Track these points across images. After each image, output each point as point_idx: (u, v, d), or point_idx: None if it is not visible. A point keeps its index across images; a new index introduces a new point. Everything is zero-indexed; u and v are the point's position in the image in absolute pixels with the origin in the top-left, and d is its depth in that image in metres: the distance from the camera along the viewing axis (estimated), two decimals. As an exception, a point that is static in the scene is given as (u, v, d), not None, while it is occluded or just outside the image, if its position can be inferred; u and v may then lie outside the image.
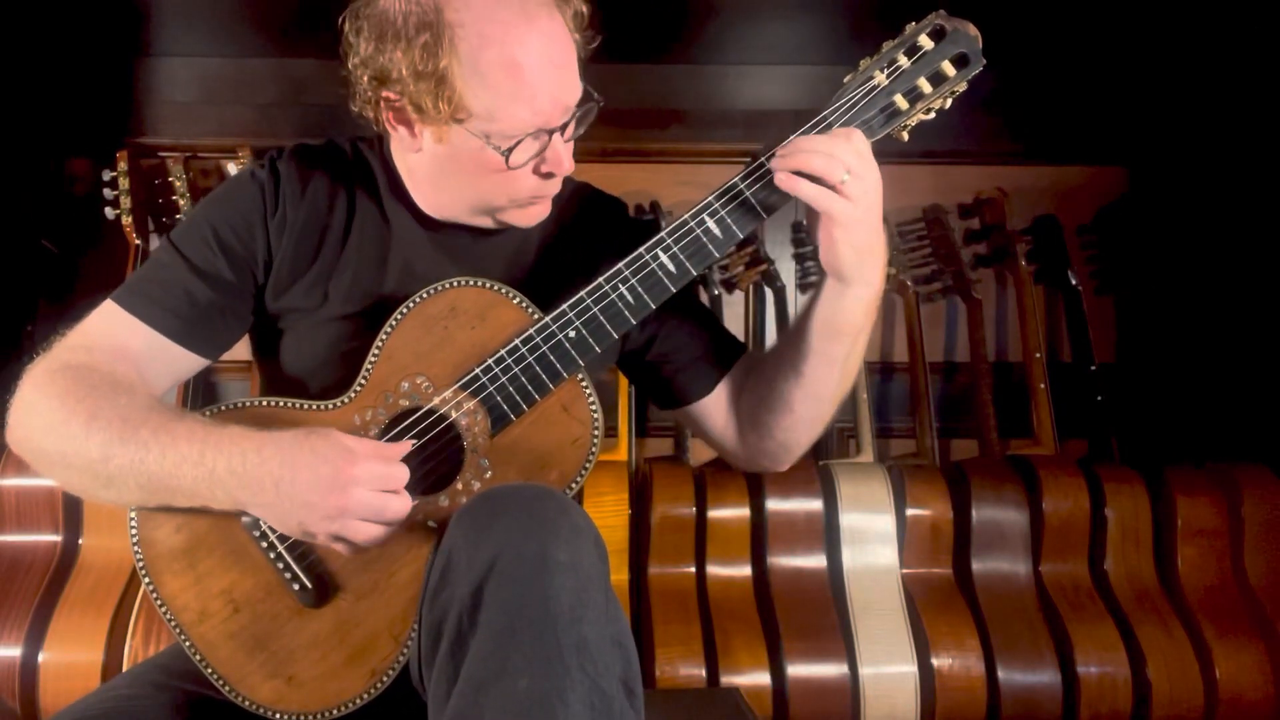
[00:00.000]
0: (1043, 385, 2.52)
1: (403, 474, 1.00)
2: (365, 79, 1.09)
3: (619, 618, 0.92)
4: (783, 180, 1.03)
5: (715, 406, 1.24)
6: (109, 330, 1.11)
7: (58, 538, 2.14)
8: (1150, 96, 2.72)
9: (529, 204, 1.14)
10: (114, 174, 2.47)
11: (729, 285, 2.64)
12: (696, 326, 1.24)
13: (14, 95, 2.53)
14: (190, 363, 1.15)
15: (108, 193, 2.48)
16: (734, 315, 2.67)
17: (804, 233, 2.68)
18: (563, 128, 1.08)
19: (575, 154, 1.15)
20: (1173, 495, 2.26)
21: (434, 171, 1.15)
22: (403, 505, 1.00)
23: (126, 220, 2.45)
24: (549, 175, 1.11)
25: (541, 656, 0.83)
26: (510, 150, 1.06)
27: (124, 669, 1.99)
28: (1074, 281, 2.61)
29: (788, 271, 2.70)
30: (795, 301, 2.71)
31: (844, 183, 1.01)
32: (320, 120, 2.65)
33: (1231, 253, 2.62)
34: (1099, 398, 2.53)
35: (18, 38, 2.48)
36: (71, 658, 2.00)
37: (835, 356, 1.12)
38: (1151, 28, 2.49)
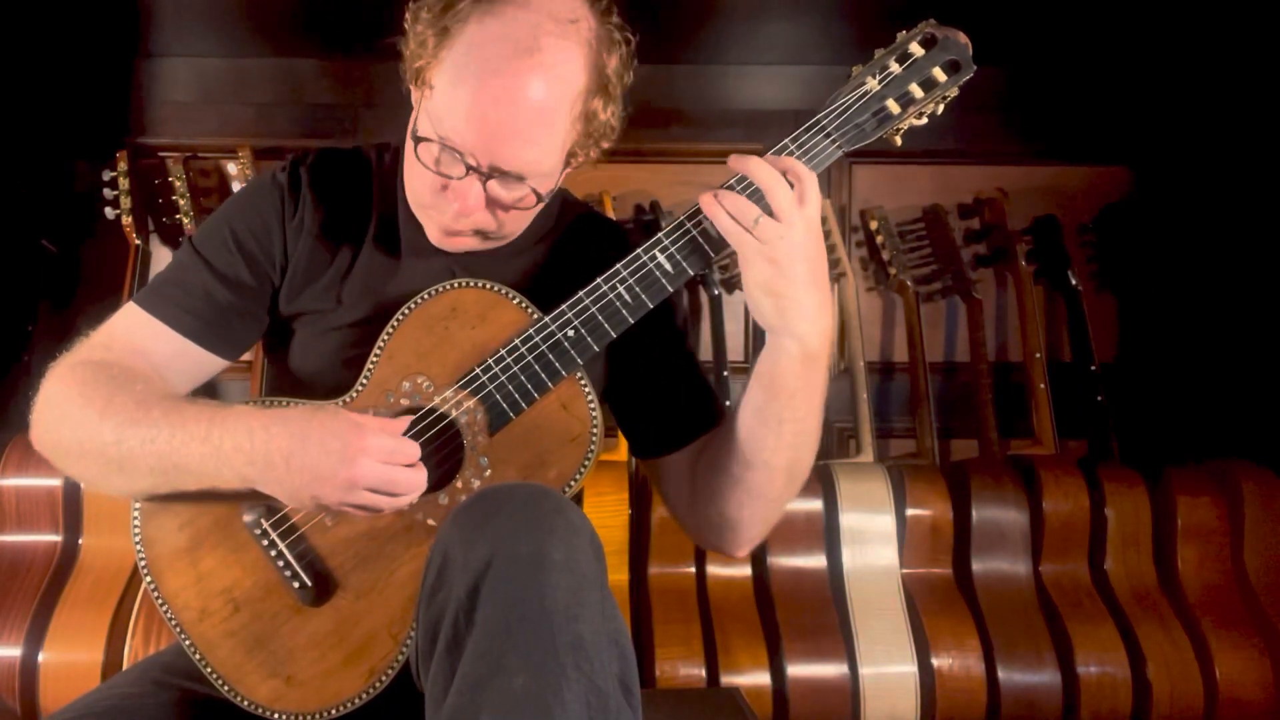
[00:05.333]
0: (1043, 385, 2.52)
1: (413, 448, 1.01)
2: (411, 16, 1.11)
3: (615, 616, 0.92)
4: (706, 206, 1.04)
5: (677, 467, 1.21)
6: (130, 330, 1.14)
7: (58, 538, 2.14)
8: (1150, 96, 2.72)
9: (435, 221, 1.11)
10: (114, 174, 2.47)
11: (729, 285, 2.64)
12: (685, 381, 1.21)
13: (14, 95, 2.53)
14: (210, 363, 1.16)
15: (108, 193, 2.48)
16: (734, 315, 2.67)
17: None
18: (482, 177, 1.05)
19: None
20: (1173, 495, 2.26)
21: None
22: (416, 478, 1.01)
23: (126, 220, 2.46)
24: (445, 190, 1.07)
25: (537, 655, 0.83)
26: (420, 138, 1.05)
27: (124, 668, 1.99)
28: (1074, 281, 2.61)
29: (788, 271, 2.70)
30: (795, 301, 2.71)
31: (757, 223, 1.01)
32: (320, 120, 2.66)
33: (1232, 252, 2.63)
34: (1099, 398, 2.53)
35: (18, 38, 2.48)
36: (71, 658, 2.00)
37: (771, 417, 1.09)
38: (1152, 27, 2.49)
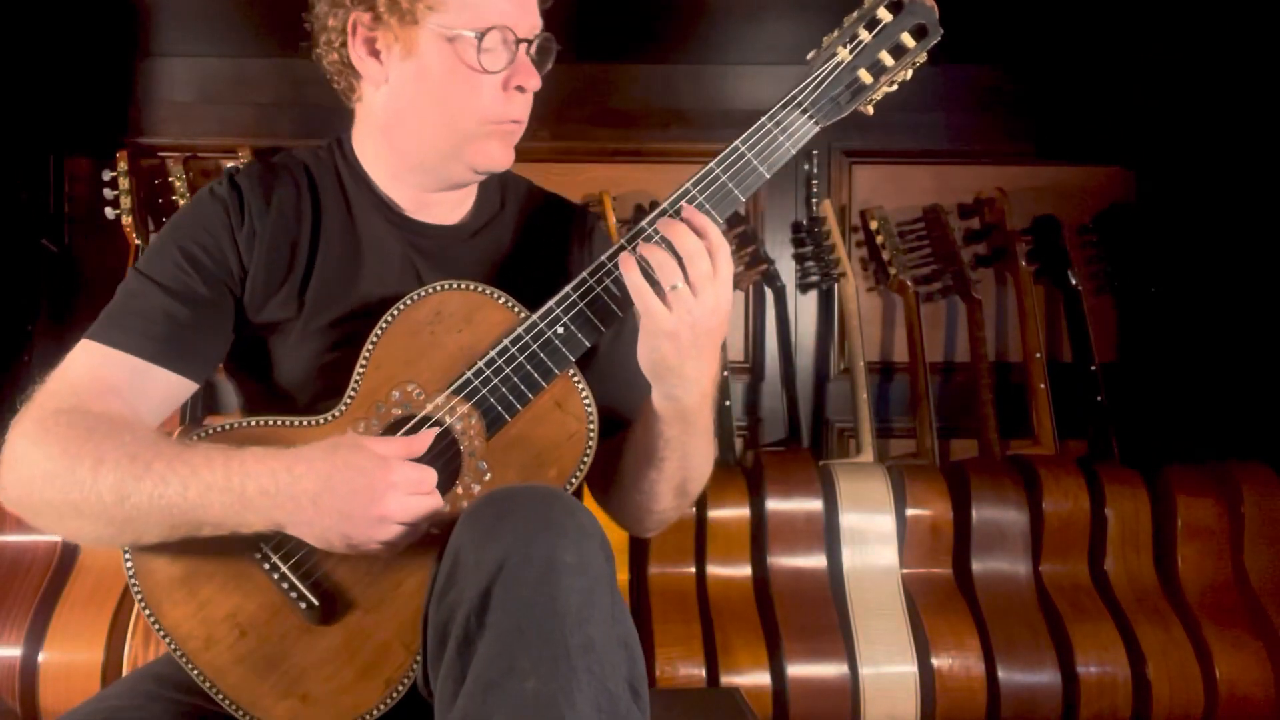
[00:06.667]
0: (1043, 385, 2.52)
1: (433, 476, 1.00)
2: (336, 9, 1.12)
3: (625, 619, 0.93)
4: (622, 260, 1.03)
5: (605, 453, 1.20)
6: (90, 367, 1.07)
7: (58, 538, 2.14)
8: (1151, 96, 2.72)
9: (494, 134, 1.13)
10: (114, 174, 2.47)
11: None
12: (633, 372, 1.19)
13: (14, 95, 2.53)
14: (178, 387, 1.11)
15: (108, 193, 2.48)
16: (734, 315, 2.67)
17: (804, 233, 2.68)
18: (530, 43, 1.10)
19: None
20: (1173, 495, 2.26)
21: (400, 108, 1.14)
22: (436, 504, 1.00)
23: (126, 220, 2.46)
24: (519, 90, 1.11)
25: (549, 657, 0.83)
26: (483, 35, 1.07)
27: (124, 669, 1.99)
28: (1074, 281, 2.62)
29: (788, 271, 2.70)
30: (795, 301, 2.72)
31: (674, 289, 1.01)
32: (320, 120, 2.65)
33: (1232, 252, 2.63)
34: (1099, 398, 2.53)
35: (18, 37, 2.47)
36: (71, 658, 1.99)
37: (653, 453, 1.11)
38: (1152, 27, 2.49)
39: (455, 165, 1.15)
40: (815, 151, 2.61)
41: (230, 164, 2.59)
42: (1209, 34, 2.50)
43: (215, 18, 2.48)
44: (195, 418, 2.34)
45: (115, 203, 2.47)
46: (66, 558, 2.13)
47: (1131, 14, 2.42)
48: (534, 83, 1.11)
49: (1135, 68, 2.69)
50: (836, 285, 2.66)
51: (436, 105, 1.11)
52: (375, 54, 1.12)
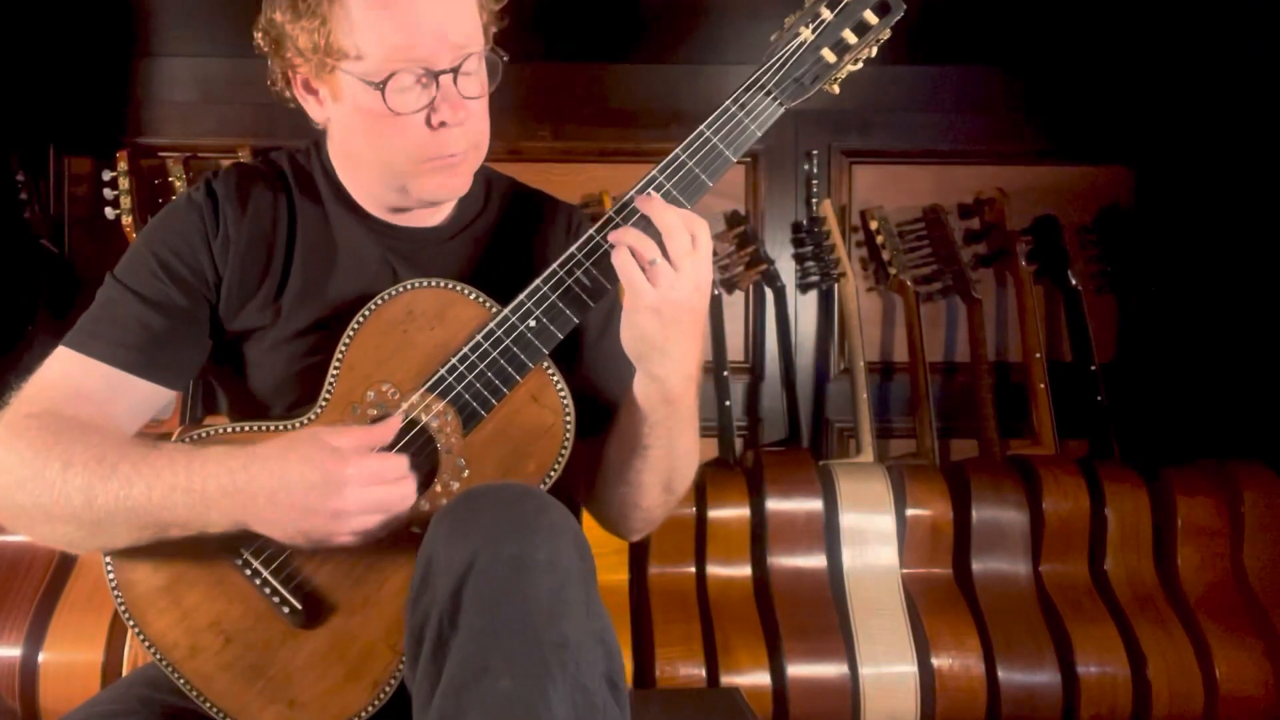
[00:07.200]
0: (1043, 385, 2.52)
1: (398, 462, 0.99)
2: (271, 50, 1.11)
3: (601, 614, 0.92)
4: (614, 237, 1.03)
5: (591, 453, 1.20)
6: (66, 375, 1.08)
7: (52, 539, 2.14)
8: (1151, 96, 2.71)
9: (434, 170, 1.10)
10: (114, 174, 2.47)
11: (729, 285, 2.64)
12: (619, 365, 1.16)
13: (14, 95, 2.53)
14: (155, 395, 1.11)
15: (108, 193, 2.48)
16: (734, 315, 2.67)
17: (804, 233, 2.68)
18: (454, 73, 1.06)
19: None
20: (1173, 495, 2.26)
21: (344, 140, 1.15)
22: (405, 491, 0.99)
23: (126, 220, 2.46)
24: (442, 125, 1.07)
25: (522, 656, 0.83)
26: (384, 84, 1.04)
27: (124, 669, 1.99)
28: (1074, 281, 2.61)
29: (788, 271, 2.70)
30: (795, 301, 2.72)
31: (653, 264, 1.01)
32: (320, 120, 2.66)
33: (1232, 252, 2.63)
34: (1099, 398, 2.53)
35: (17, 37, 2.48)
36: (71, 658, 2.00)
37: (637, 442, 1.10)
38: (1153, 26, 2.49)
39: (404, 197, 1.14)
40: (815, 152, 2.61)
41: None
42: (1209, 34, 2.50)
43: (215, 18, 2.48)
44: (195, 417, 2.34)
45: (115, 203, 2.47)
46: (67, 558, 2.13)
47: (1131, 14, 2.41)
48: (458, 116, 1.07)
49: (1135, 67, 2.69)
50: (836, 285, 2.66)
51: (369, 146, 1.11)
52: (314, 93, 1.13)
